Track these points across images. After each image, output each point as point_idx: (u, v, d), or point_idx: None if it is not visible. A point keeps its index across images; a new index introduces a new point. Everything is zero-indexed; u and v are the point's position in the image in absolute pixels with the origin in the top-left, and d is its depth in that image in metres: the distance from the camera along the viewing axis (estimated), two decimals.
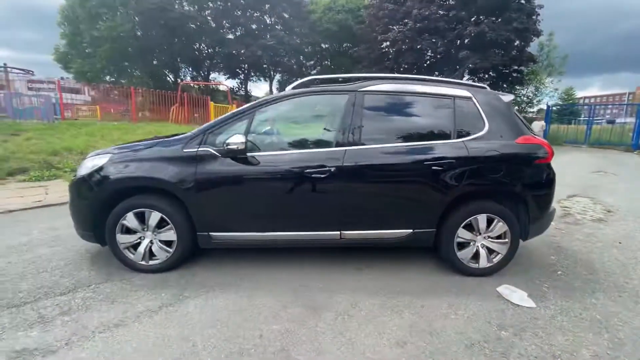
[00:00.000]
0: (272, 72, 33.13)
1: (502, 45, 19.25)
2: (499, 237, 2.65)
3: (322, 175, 2.43)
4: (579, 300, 2.39)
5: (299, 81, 2.69)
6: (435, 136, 2.59)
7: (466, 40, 19.54)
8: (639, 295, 2.48)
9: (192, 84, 31.04)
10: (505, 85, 24.29)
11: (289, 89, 2.64)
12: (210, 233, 2.55)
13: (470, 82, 2.75)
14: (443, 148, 2.52)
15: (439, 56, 20.49)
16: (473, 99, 2.66)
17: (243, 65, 31.37)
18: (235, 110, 2.59)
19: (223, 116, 2.57)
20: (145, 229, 2.54)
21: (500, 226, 2.61)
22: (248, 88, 34.49)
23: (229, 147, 2.32)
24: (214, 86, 31.32)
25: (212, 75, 33.83)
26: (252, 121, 2.53)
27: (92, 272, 2.60)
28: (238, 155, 2.38)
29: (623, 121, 24.02)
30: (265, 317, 2.10)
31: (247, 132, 2.46)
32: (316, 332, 1.96)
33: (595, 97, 79.63)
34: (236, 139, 2.29)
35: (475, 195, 2.60)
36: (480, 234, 2.64)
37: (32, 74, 21.97)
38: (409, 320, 2.11)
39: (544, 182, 2.64)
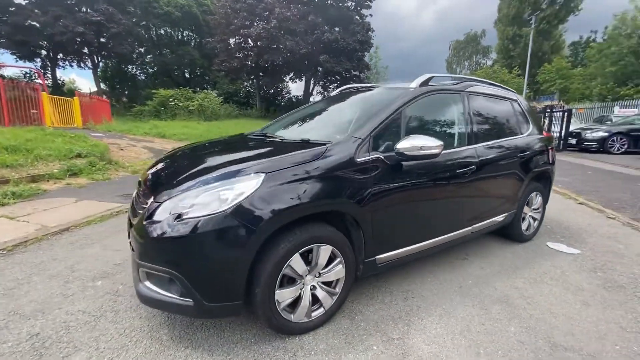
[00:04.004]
0: (96, 58, 25.90)
1: (348, 53, 22.65)
2: (537, 208, 3.46)
3: (468, 174, 2.47)
4: (592, 243, 3.46)
5: (424, 77, 2.53)
6: (514, 132, 3.08)
7: (322, 45, 21.77)
8: (603, 233, 3.86)
9: None
10: None
11: (415, 85, 2.45)
12: (377, 257, 2.11)
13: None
14: (522, 142, 3.06)
15: (299, 56, 21.86)
16: (518, 101, 3.32)
17: (45, 44, 22.98)
18: (383, 107, 2.19)
19: (376, 116, 2.13)
20: (307, 273, 1.83)
21: (540, 200, 3.43)
22: (58, 76, 25.66)
23: (421, 151, 1.98)
24: None
25: None
26: (404, 121, 2.24)
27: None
28: (427, 160, 2.08)
29: None
30: (493, 325, 2.02)
31: (405, 133, 2.17)
32: (546, 315, 2.08)
33: None
34: (428, 142, 1.99)
35: (534, 179, 3.28)
36: (530, 208, 3.37)
37: None
38: (557, 286, 2.53)
39: (555, 161, 3.63)
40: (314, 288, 1.87)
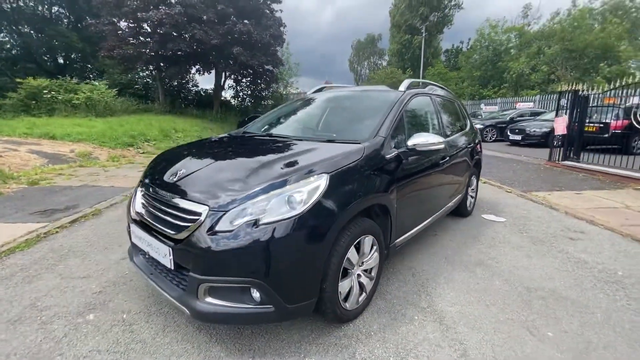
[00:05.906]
0: None
1: (262, 47, 22.22)
2: (473, 188, 4.31)
3: (445, 163, 2.97)
4: (508, 212, 4.50)
5: (408, 82, 2.87)
6: (461, 128, 3.76)
7: (230, 37, 20.72)
8: (510, 205, 5.01)
9: None
10: (260, 82, 28.18)
11: (403, 89, 2.79)
12: (396, 241, 2.39)
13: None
14: (468, 135, 3.77)
15: (210, 47, 20.36)
16: (458, 101, 4.05)
17: None
18: (389, 108, 2.45)
19: (387, 115, 2.37)
20: (357, 262, 1.98)
21: (475, 181, 4.28)
22: None
23: (429, 146, 2.33)
24: None
25: None
26: (405, 120, 2.55)
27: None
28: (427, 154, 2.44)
29: None
30: (484, 283, 2.54)
31: (407, 130, 2.50)
32: (512, 269, 2.70)
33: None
34: (433, 139, 2.33)
35: (474, 165, 4.06)
36: (470, 188, 4.17)
37: None
38: (506, 246, 3.28)
39: (482, 149, 4.54)
40: (359, 276, 2.04)
